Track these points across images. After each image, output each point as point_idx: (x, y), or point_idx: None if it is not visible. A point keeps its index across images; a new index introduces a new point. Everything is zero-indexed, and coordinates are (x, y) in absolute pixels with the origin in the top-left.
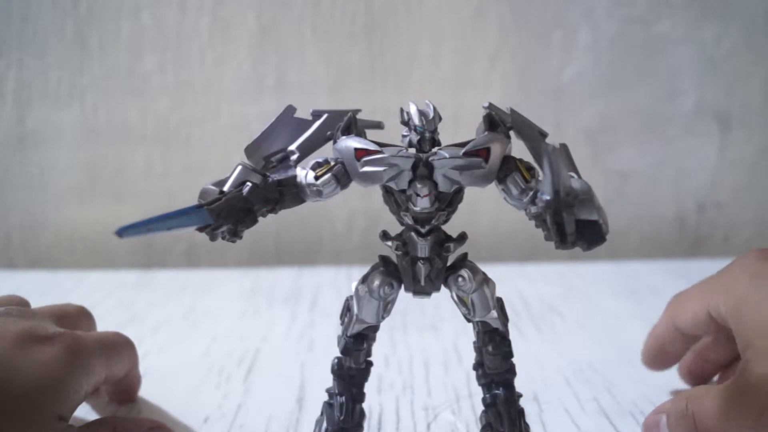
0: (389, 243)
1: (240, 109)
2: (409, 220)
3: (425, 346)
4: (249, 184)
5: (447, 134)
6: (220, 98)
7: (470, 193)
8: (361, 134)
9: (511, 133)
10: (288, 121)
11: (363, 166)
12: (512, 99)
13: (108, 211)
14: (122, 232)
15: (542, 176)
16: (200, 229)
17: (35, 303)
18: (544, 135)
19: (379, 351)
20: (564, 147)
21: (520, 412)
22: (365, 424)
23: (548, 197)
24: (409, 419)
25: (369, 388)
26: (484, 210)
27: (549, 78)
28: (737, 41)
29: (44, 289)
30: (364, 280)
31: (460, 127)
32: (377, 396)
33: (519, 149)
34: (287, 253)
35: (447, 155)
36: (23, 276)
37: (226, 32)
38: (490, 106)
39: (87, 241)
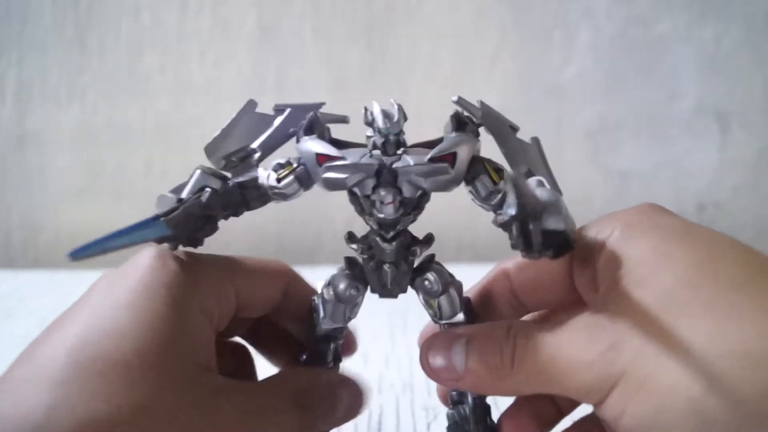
0: (354, 246)
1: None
2: (373, 225)
3: None
4: (208, 190)
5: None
6: (220, 98)
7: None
8: (324, 131)
9: (482, 129)
10: (249, 117)
11: (325, 172)
12: (512, 99)
13: (108, 211)
14: (76, 254)
15: (507, 190)
16: (159, 241)
17: (35, 303)
18: (515, 129)
19: (379, 351)
20: (536, 142)
21: (487, 409)
22: (365, 424)
23: (513, 212)
24: (409, 419)
25: (369, 388)
26: (485, 210)
27: (549, 78)
28: (737, 41)
29: (44, 289)
30: (329, 283)
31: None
32: (377, 396)
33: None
34: (287, 252)
35: (411, 162)
36: (23, 276)
37: (226, 32)
38: (459, 100)
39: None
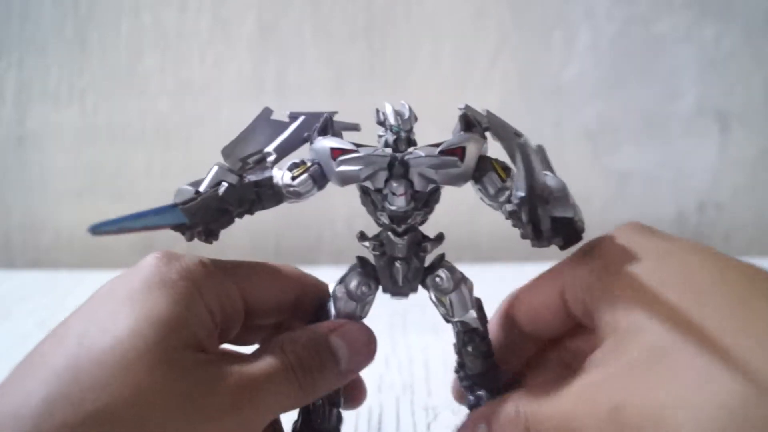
0: (366, 243)
1: (240, 109)
2: (385, 220)
3: (425, 346)
4: (225, 184)
5: (446, 135)
6: (220, 98)
7: (470, 193)
8: (337, 135)
9: (488, 134)
10: (265, 123)
11: (339, 165)
12: (512, 99)
13: (108, 211)
14: (95, 229)
15: (516, 172)
16: (175, 229)
17: (35, 303)
18: (519, 135)
19: (379, 351)
20: (541, 149)
21: None
22: (365, 424)
23: (522, 194)
24: (409, 419)
25: (369, 387)
26: (485, 210)
27: (549, 78)
28: (737, 41)
29: (44, 289)
30: (342, 281)
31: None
32: (377, 396)
33: (495, 151)
34: (287, 252)
35: (422, 154)
36: (23, 276)
37: (226, 32)
38: (466, 108)
39: (87, 241)
